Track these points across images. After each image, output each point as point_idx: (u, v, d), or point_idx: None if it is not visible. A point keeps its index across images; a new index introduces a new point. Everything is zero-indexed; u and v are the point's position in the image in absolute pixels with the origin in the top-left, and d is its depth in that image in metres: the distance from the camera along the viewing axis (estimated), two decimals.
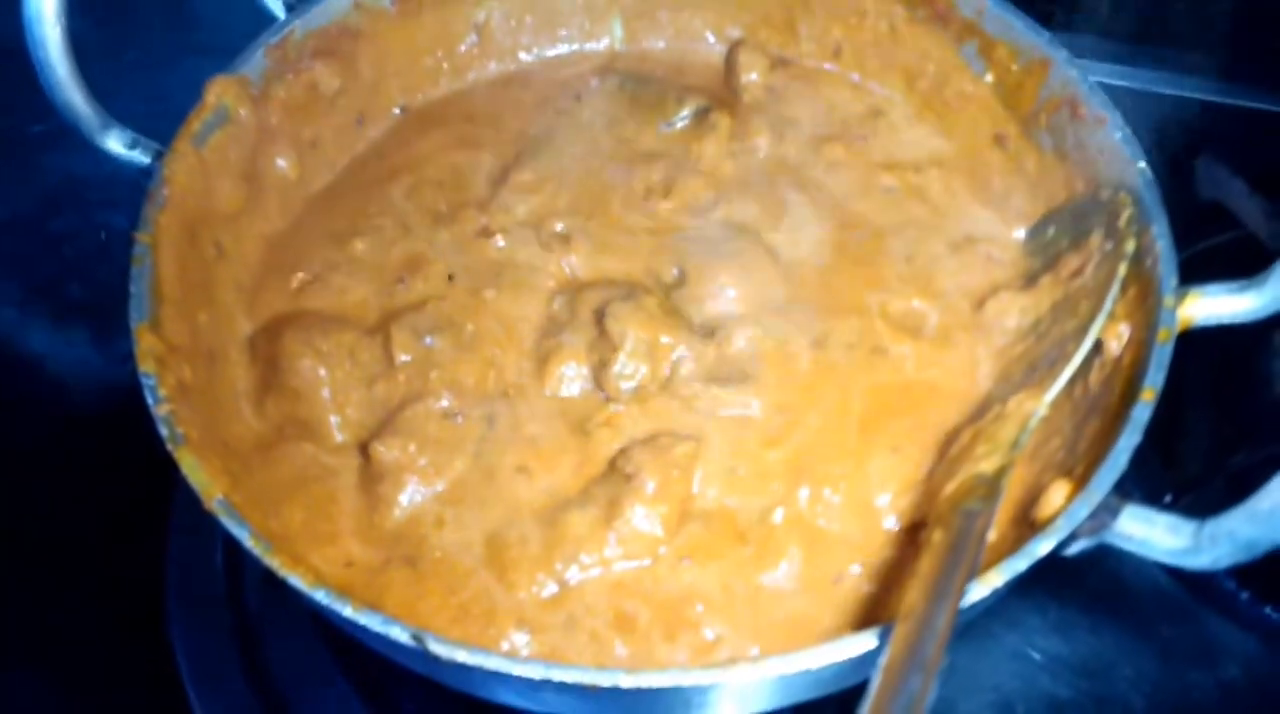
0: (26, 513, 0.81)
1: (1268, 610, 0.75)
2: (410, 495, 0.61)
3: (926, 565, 0.47)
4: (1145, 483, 0.81)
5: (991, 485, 0.53)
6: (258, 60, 0.72)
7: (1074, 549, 0.54)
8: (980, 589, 0.49)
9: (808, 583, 0.59)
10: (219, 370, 0.66)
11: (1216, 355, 0.75)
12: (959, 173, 0.76)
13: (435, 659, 0.46)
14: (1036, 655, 0.74)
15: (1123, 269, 0.59)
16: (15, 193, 1.02)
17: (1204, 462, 0.84)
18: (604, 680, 0.45)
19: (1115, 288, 0.58)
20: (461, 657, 0.46)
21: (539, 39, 0.85)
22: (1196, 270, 0.97)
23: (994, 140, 0.75)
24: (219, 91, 0.69)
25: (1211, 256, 0.96)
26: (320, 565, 0.58)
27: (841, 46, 0.82)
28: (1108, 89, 0.97)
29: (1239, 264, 0.94)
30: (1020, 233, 0.73)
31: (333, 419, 0.64)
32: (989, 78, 0.74)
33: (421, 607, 0.58)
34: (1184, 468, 0.83)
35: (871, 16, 0.79)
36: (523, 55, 0.85)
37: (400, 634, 0.46)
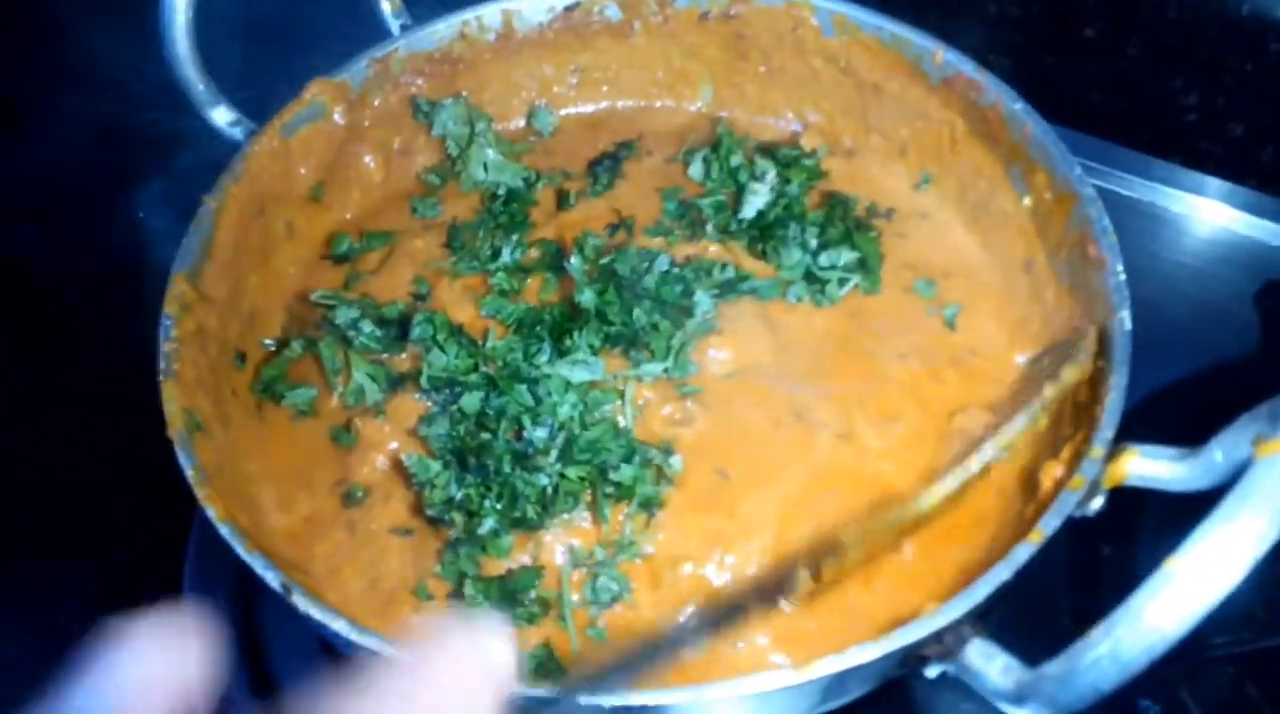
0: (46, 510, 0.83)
1: None
2: (380, 464, 0.68)
3: None
4: None
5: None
6: (361, 69, 0.81)
7: (931, 671, 0.54)
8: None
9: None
10: (255, 325, 0.75)
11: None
12: (984, 289, 0.77)
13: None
14: None
15: (1049, 391, 0.59)
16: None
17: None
18: None
19: (1033, 407, 0.59)
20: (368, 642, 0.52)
21: (631, 91, 0.91)
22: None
23: (1024, 265, 0.75)
24: (317, 91, 0.79)
25: None
26: (279, 518, 0.66)
27: (908, 147, 0.83)
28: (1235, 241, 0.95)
29: None
30: (1022, 358, 0.73)
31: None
32: (1027, 201, 0.75)
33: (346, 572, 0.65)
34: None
35: (935, 123, 0.81)
36: (617, 103, 0.91)
37: (273, 579, 0.53)
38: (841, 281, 0.75)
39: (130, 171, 0.95)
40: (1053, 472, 0.60)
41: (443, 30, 0.84)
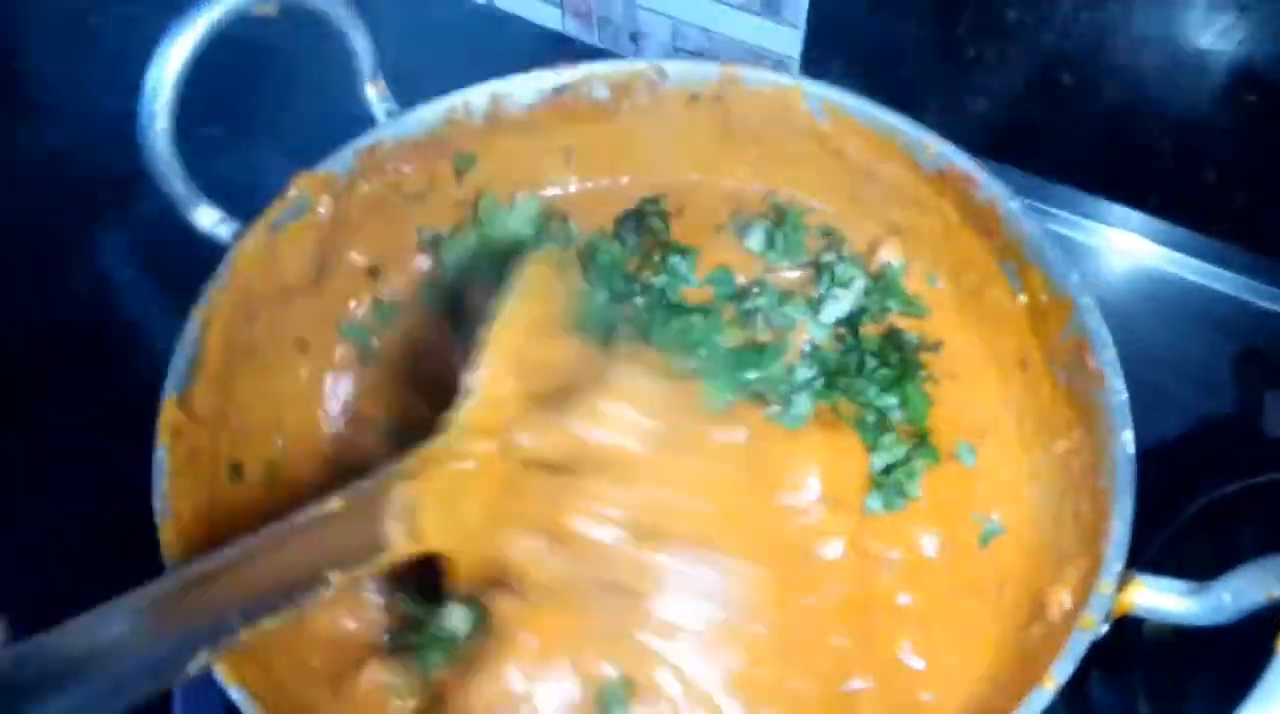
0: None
1: None
2: None
3: None
4: None
5: None
6: (346, 159, 0.79)
7: None
8: None
9: None
10: (248, 435, 0.73)
11: None
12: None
13: None
14: None
15: None
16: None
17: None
18: None
19: None
20: None
21: (615, 169, 0.90)
22: (1250, 506, 0.95)
23: (1019, 362, 0.76)
24: (303, 185, 0.77)
25: (1266, 493, 0.93)
26: None
27: (900, 227, 0.83)
28: (1208, 294, 0.96)
29: None
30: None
31: None
32: (1023, 298, 0.75)
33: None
34: None
35: (930, 211, 0.80)
36: (603, 180, 0.90)
37: None
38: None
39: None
40: (1059, 598, 0.61)
41: (429, 116, 0.82)
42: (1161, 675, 0.79)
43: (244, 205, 0.76)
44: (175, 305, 0.69)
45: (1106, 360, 0.66)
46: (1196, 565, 0.85)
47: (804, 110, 0.82)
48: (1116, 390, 0.64)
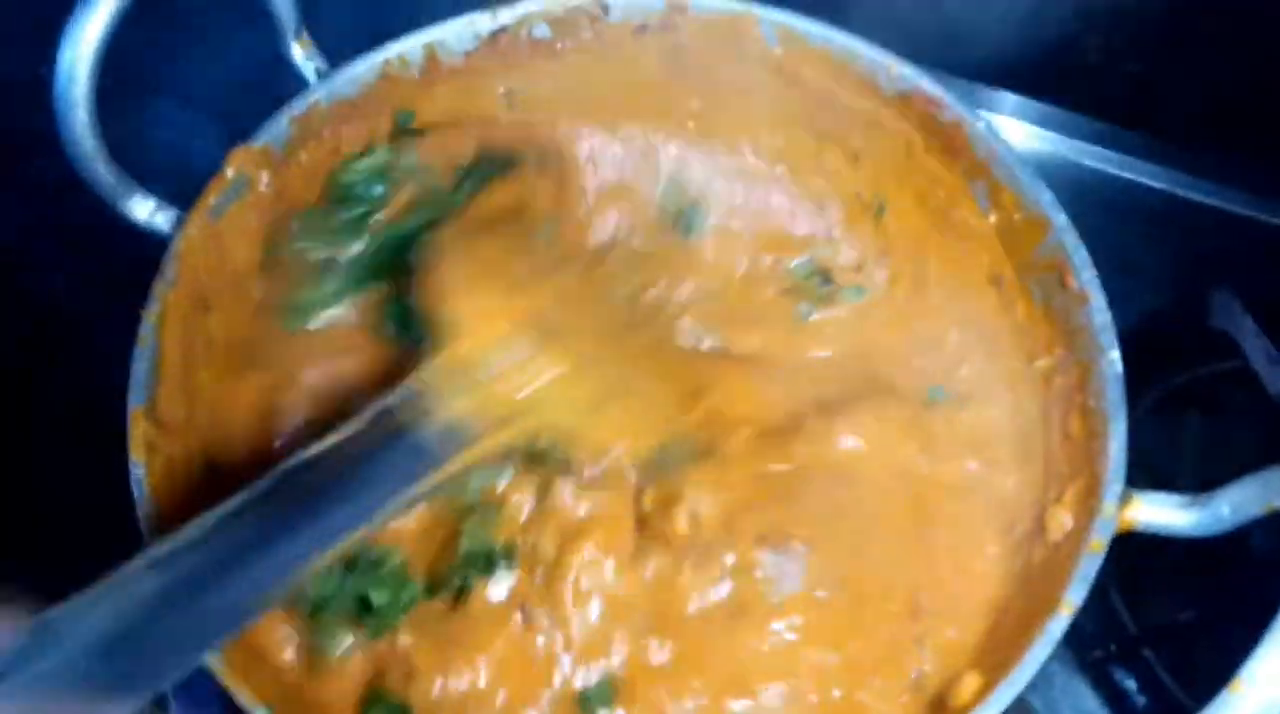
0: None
1: None
2: None
3: None
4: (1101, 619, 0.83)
5: None
6: (282, 129, 0.74)
7: None
8: None
9: None
10: (219, 431, 0.70)
11: None
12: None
13: None
14: None
15: None
16: None
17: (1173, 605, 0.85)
18: None
19: None
20: None
21: (560, 111, 0.86)
22: (1196, 397, 0.98)
23: (990, 279, 0.76)
24: (239, 163, 0.72)
25: (1214, 383, 0.97)
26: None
27: (860, 156, 0.82)
28: (1144, 191, 0.98)
29: (1239, 393, 0.95)
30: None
31: None
32: (993, 218, 0.75)
33: None
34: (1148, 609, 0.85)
35: (891, 134, 0.79)
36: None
37: None
38: None
39: None
40: (1060, 519, 0.62)
41: (364, 72, 0.77)
42: (1128, 568, 0.83)
43: (171, 186, 0.71)
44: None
45: (1088, 281, 0.66)
46: (1149, 457, 0.89)
47: (757, 36, 0.79)
48: (1100, 309, 0.65)
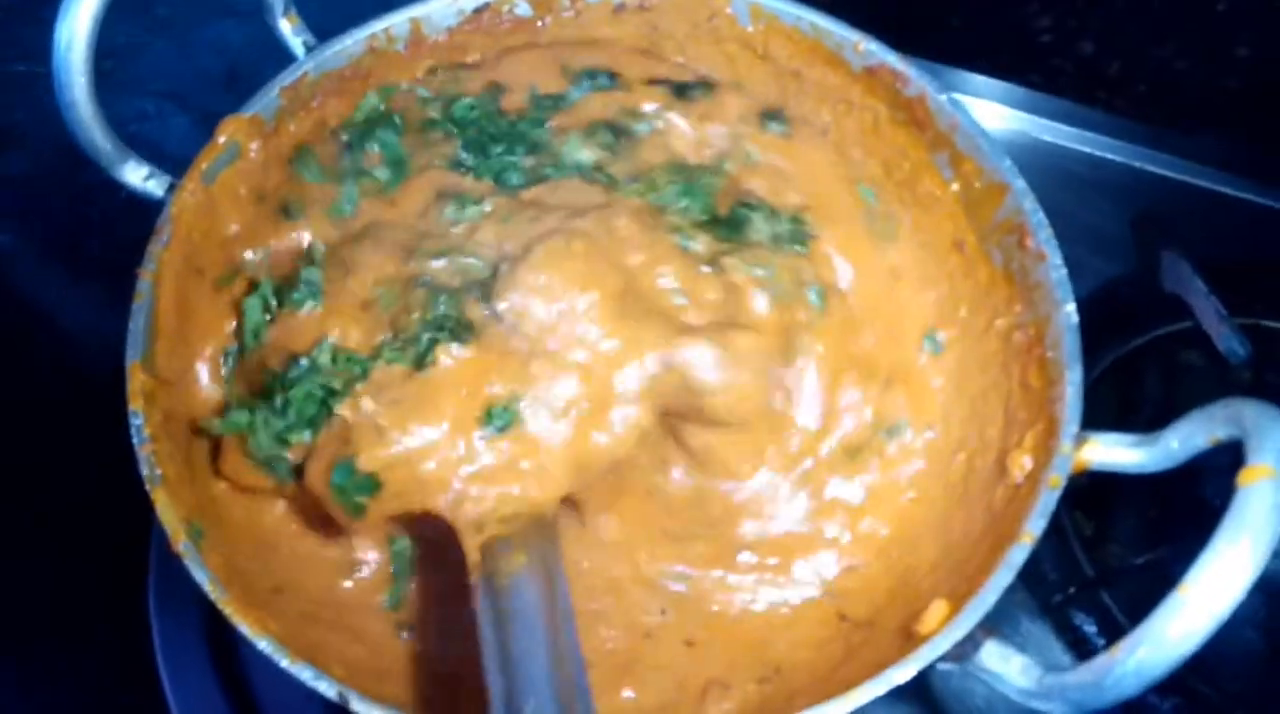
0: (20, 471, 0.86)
1: None
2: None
3: None
4: (1062, 565, 0.87)
5: None
6: (272, 100, 0.77)
7: (943, 665, 0.60)
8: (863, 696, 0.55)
9: None
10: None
11: None
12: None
13: None
14: None
15: None
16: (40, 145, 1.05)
17: (1128, 550, 0.90)
18: None
19: None
20: None
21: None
22: (1152, 358, 1.02)
23: (954, 245, 0.79)
24: (230, 131, 0.74)
25: (1166, 344, 1.01)
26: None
27: (829, 129, 0.86)
28: (1101, 164, 1.02)
29: (1192, 352, 0.99)
30: (941, 336, 0.78)
31: None
32: (955, 186, 0.78)
33: None
34: (1105, 555, 0.89)
35: (859, 108, 0.83)
36: None
37: (327, 689, 0.53)
38: None
39: None
40: (1020, 461, 0.66)
41: (351, 46, 0.80)
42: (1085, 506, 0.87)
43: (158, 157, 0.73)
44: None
45: (1045, 240, 0.70)
46: (1108, 415, 0.93)
47: (729, 14, 0.83)
48: (1057, 266, 0.69)
